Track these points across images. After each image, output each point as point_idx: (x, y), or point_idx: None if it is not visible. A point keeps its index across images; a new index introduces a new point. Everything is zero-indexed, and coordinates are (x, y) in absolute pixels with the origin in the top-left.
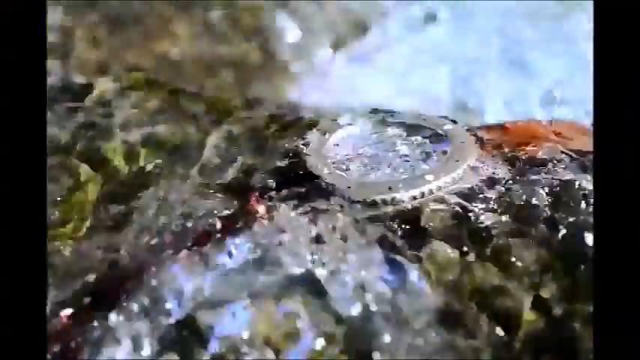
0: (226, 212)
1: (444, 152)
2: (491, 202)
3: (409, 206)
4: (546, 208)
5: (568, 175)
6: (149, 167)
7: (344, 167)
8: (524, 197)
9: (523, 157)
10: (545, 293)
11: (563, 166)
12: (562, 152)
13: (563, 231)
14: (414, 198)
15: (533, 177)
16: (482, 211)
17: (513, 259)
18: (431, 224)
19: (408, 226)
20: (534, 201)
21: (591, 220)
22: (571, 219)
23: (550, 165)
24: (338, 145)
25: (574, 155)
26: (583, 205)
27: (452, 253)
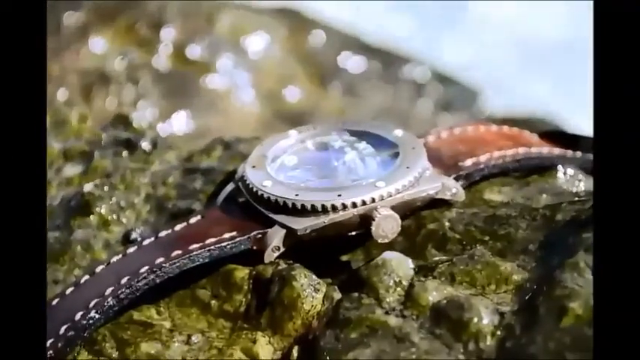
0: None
1: (394, 159)
2: None
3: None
4: None
5: None
6: None
7: (290, 176)
8: None
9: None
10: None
11: None
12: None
13: None
14: (364, 204)
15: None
16: None
17: None
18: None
19: None
20: None
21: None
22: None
23: None
24: (281, 155)
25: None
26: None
27: None
